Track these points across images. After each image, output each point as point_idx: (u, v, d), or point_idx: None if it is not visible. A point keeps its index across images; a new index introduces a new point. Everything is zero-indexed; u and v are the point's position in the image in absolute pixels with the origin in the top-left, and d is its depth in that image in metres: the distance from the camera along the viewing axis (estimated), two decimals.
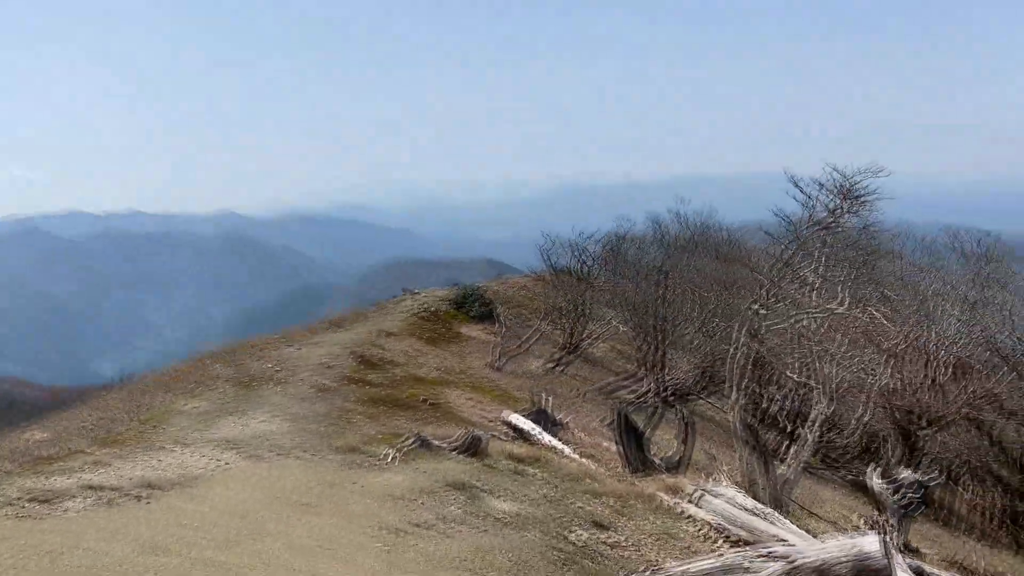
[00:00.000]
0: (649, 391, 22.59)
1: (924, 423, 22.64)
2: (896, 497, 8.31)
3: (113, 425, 14.57)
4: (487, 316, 34.60)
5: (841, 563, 4.42)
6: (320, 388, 19.26)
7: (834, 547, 4.53)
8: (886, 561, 4.43)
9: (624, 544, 7.46)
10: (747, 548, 5.04)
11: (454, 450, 11.35)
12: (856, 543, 4.52)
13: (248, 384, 19.76)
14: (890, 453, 24.54)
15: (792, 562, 4.45)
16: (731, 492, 9.55)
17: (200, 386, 19.88)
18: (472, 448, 11.49)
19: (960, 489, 30.51)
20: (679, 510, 9.33)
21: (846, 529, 12.45)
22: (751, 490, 12.12)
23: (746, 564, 4.51)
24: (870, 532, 7.53)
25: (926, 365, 22.03)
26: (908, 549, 8.80)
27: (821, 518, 13.39)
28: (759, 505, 9.40)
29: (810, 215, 12.76)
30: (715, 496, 9.41)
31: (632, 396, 22.72)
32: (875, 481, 8.72)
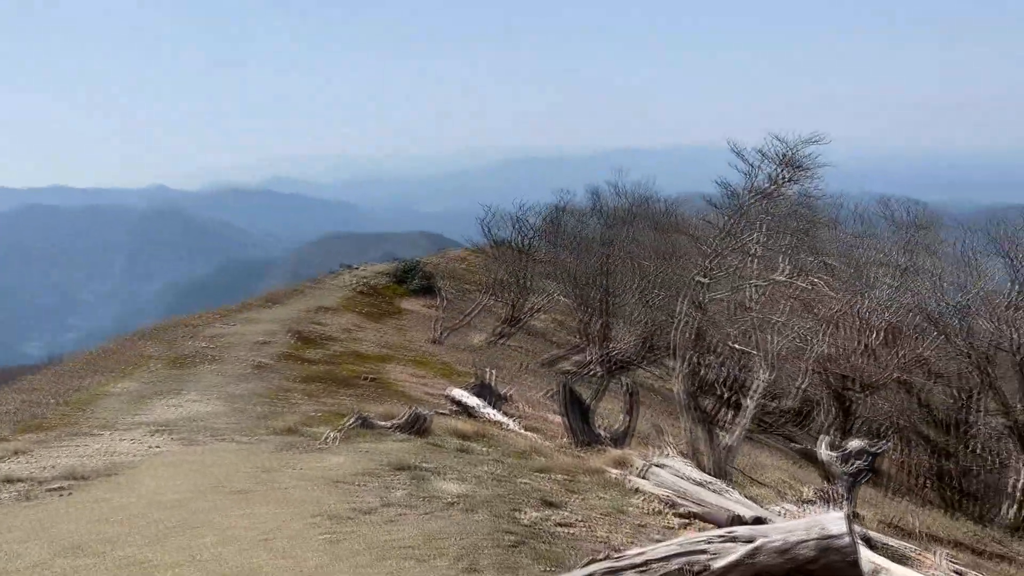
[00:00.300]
0: (592, 362, 22.59)
1: (858, 387, 23.19)
2: (845, 466, 8.34)
3: (37, 409, 13.84)
4: (428, 290, 34.24)
5: (805, 543, 4.29)
6: (257, 366, 18.70)
7: (797, 527, 4.39)
8: (850, 539, 4.31)
9: (574, 522, 7.29)
10: (709, 530, 4.89)
11: (397, 429, 11.04)
12: (819, 522, 4.39)
13: (181, 363, 19.08)
14: (823, 417, 25.14)
15: (755, 544, 4.30)
16: (679, 464, 9.48)
17: (131, 366, 19.13)
18: (416, 426, 11.21)
19: (889, 449, 31.51)
20: (628, 484, 9.21)
21: (788, 496, 12.59)
22: (695, 459, 12.14)
23: (708, 548, 4.34)
24: (833, 509, 7.51)
25: (859, 331, 22.51)
26: (854, 516, 8.87)
27: (764, 484, 13.53)
28: (707, 476, 9.35)
29: (752, 184, 12.71)
30: (663, 468, 9.32)
31: (575, 367, 22.69)
32: (824, 451, 8.73)
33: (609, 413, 15.83)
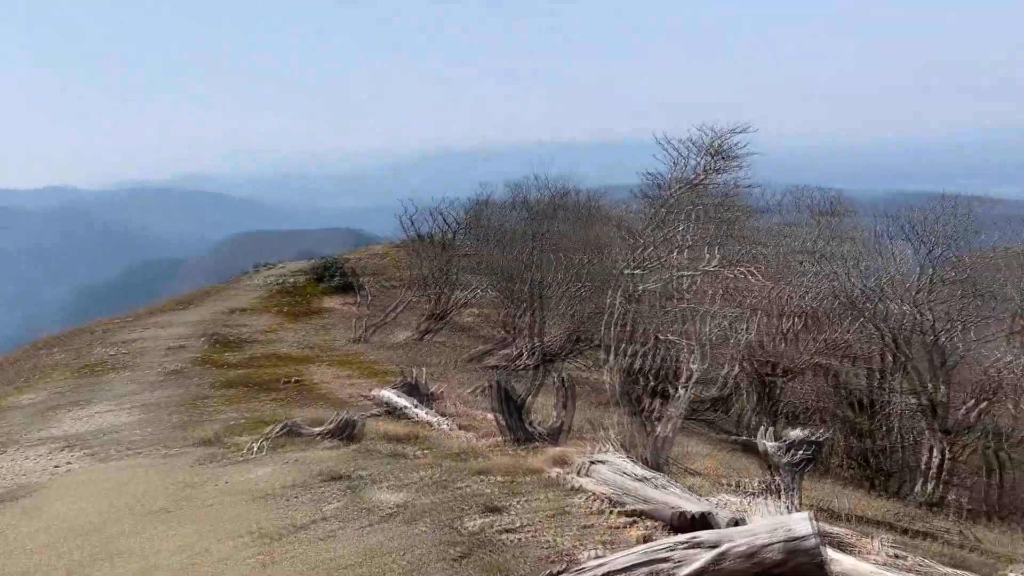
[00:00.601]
0: (522, 355, 22.42)
1: (780, 372, 23.69)
2: (788, 456, 8.34)
3: None
4: (349, 287, 33.51)
5: (771, 546, 4.14)
6: (172, 372, 17.87)
7: (763, 530, 4.24)
8: (816, 540, 4.17)
9: (519, 527, 7.03)
10: (672, 536, 4.71)
11: (327, 435, 10.59)
12: (784, 523, 4.24)
13: (90, 371, 18.10)
14: (746, 402, 25.63)
15: (721, 550, 4.12)
16: (619, 460, 9.33)
17: (36, 376, 18.07)
18: (346, 432, 10.77)
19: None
20: (569, 483, 9.01)
21: (724, 484, 12.65)
22: (632, 451, 12.06)
23: (672, 555, 4.14)
24: (778, 501, 7.45)
25: (780, 318, 22.99)
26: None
27: (698, 474, 13.58)
28: (649, 471, 9.23)
29: (680, 175, 12.68)
30: (604, 464, 9.16)
31: (505, 362, 22.49)
32: (767, 443, 8.72)
33: (542, 408, 15.66)
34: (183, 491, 8.12)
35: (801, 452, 8.25)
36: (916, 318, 22.05)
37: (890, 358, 24.09)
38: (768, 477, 8.41)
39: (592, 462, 9.11)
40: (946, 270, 21.30)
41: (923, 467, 23.66)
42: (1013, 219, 22.39)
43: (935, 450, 22.45)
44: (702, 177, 12.45)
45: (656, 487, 8.45)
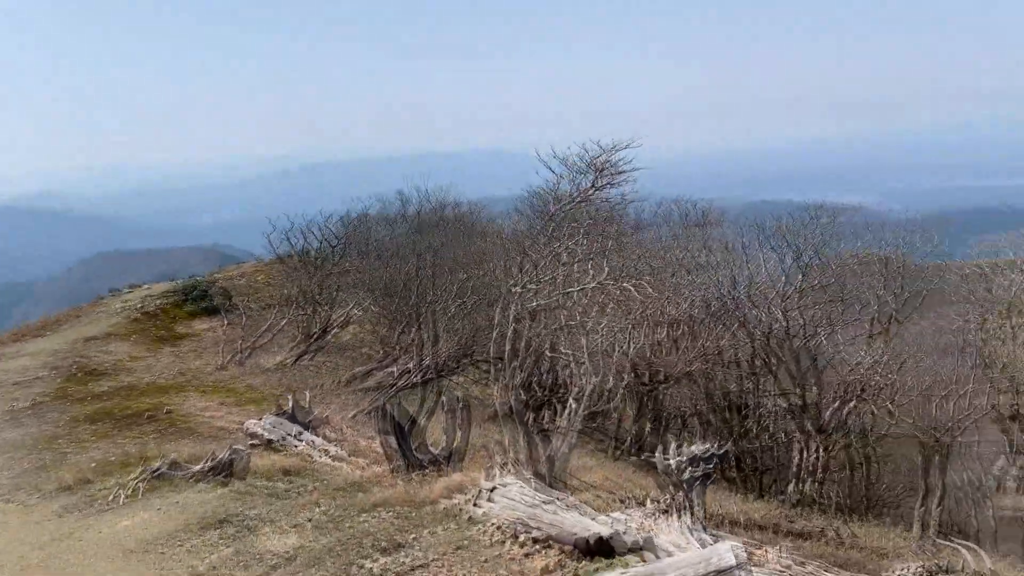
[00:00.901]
0: (409, 373, 21.87)
1: (661, 380, 24.16)
2: (691, 470, 8.32)
3: None
4: (218, 309, 31.88)
5: None
6: (25, 408, 16.34)
7: (692, 562, 4.07)
8: (746, 571, 4.03)
9: (425, 563, 6.65)
10: (587, 561, 4.45)
11: (205, 474, 9.81)
12: (712, 555, 4.09)
13: None
14: (629, 410, 26.01)
15: None
16: (519, 484, 9.07)
17: None
18: (226, 469, 10.02)
19: (686, 435, 33.32)
20: (468, 512, 8.67)
21: (619, 495, 12.62)
22: (531, 467, 11.85)
23: None
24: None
25: (655, 329, 23.46)
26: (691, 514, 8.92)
27: (596, 487, 13.49)
28: (552, 492, 9.02)
29: (568, 191, 12.64)
30: (504, 489, 8.88)
31: (391, 381, 21.86)
32: (667, 459, 8.68)
33: (433, 429, 15.22)
34: (45, 547, 7.26)
35: (703, 466, 8.23)
36: (785, 323, 22.99)
37: (761, 362, 25.02)
38: (670, 493, 8.36)
39: (492, 488, 8.82)
40: (814, 276, 22.29)
41: (795, 467, 24.69)
42: (872, 226, 23.76)
43: (808, 449, 23.44)
44: (590, 192, 12.45)
45: (559, 509, 8.24)
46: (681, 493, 8.28)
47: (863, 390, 21.41)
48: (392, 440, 12.62)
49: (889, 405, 21.38)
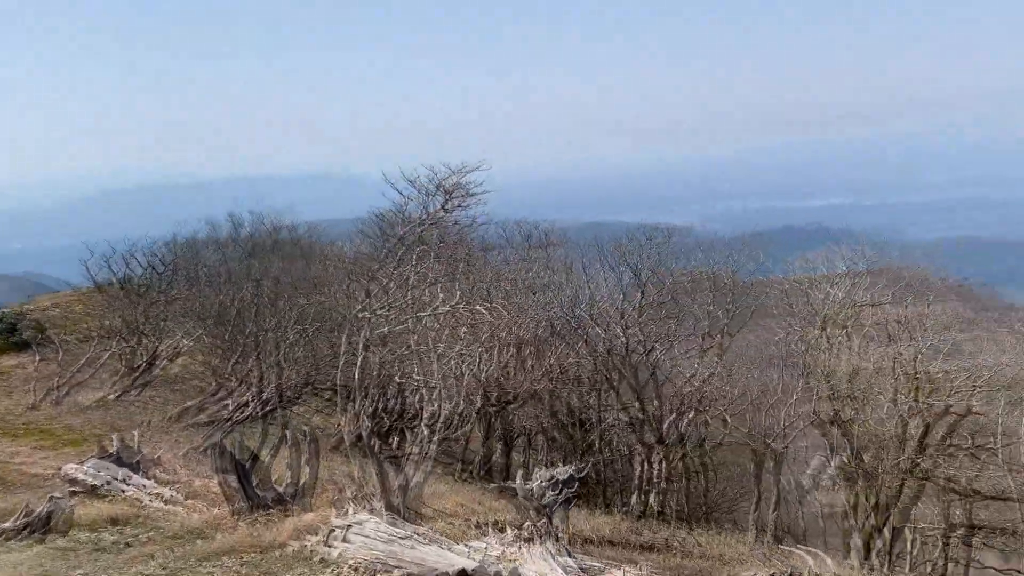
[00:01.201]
0: (247, 405, 20.73)
1: (511, 399, 24.25)
2: (552, 494, 8.22)
3: None
4: (29, 344, 29.11)
5: None
6: None
7: None
8: None
9: None
10: None
11: (21, 530, 8.73)
12: None
13: None
14: (471, 430, 25.92)
15: None
16: (373, 521, 8.65)
17: None
18: (43, 523, 8.97)
19: (531, 453, 33.68)
20: (320, 554, 8.18)
21: (481, 526, 12.39)
22: (383, 499, 11.40)
23: None
24: (547, 544, 7.19)
25: (503, 351, 23.55)
26: (556, 538, 8.80)
27: (453, 515, 13.19)
28: (407, 528, 8.65)
29: (418, 212, 12.39)
30: (359, 527, 8.45)
31: (227, 414, 20.64)
32: (528, 484, 8.55)
33: (278, 464, 14.40)
34: None
35: (564, 489, 8.17)
36: (625, 340, 23.71)
37: (603, 378, 25.66)
38: (531, 519, 8.22)
39: (347, 525, 8.36)
40: (651, 294, 23.14)
41: (637, 479, 25.46)
42: (703, 245, 25.03)
43: (650, 462, 24.23)
44: (440, 214, 12.25)
45: (417, 544, 7.90)
46: (544, 518, 8.18)
47: (700, 401, 22.41)
48: (232, 479, 11.81)
49: (724, 415, 22.46)
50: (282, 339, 22.38)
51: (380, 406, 16.97)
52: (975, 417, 19.07)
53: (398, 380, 14.42)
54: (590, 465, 15.53)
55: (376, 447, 13.03)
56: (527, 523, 7.49)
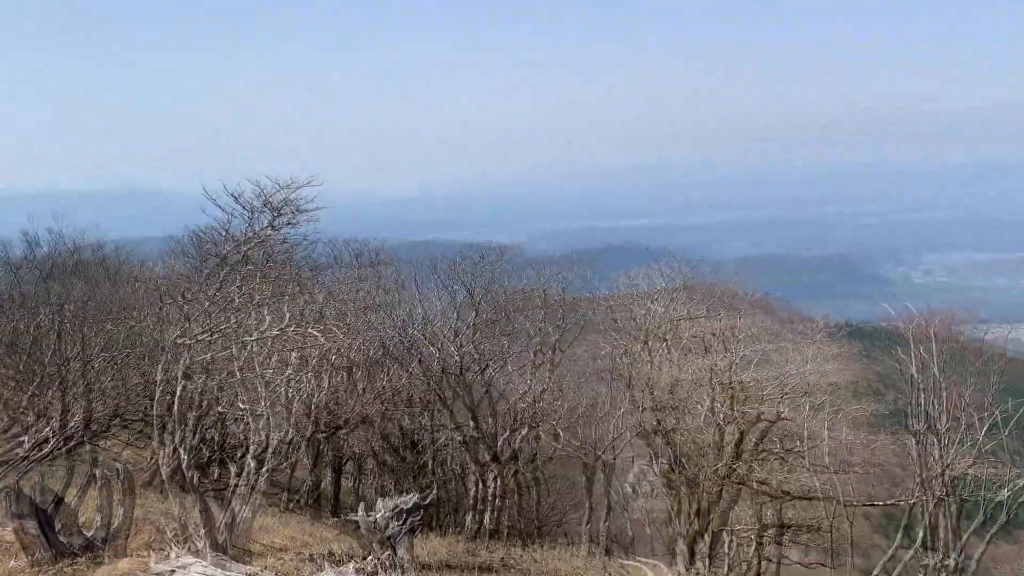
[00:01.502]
0: (46, 442, 18.76)
1: (342, 424, 23.52)
2: (397, 526, 7.90)
3: None
4: None
5: None
6: None
7: None
8: None
9: None
10: None
11: None
12: None
13: None
14: (297, 457, 24.96)
15: None
16: (199, 564, 8.02)
17: None
18: None
19: (361, 478, 32.89)
20: None
21: (316, 559, 11.81)
22: (208, 538, 10.61)
23: None
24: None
25: (334, 374, 22.84)
26: (403, 570, 8.49)
27: (284, 549, 12.50)
28: (235, 568, 8.07)
29: (243, 230, 11.72)
30: (183, 571, 7.78)
31: (23, 453, 18.60)
32: (370, 516, 8.18)
33: (86, 506, 13.08)
34: None
35: (409, 519, 7.90)
36: (459, 358, 23.67)
37: (437, 398, 25.47)
38: (375, 552, 7.90)
39: (171, 571, 7.66)
40: (485, 312, 23.27)
41: (472, 498, 25.39)
42: (535, 263, 25.50)
43: (484, 480, 24.24)
44: (268, 232, 11.65)
45: None
46: (388, 550, 7.87)
47: (533, 416, 22.72)
48: (31, 525, 10.65)
49: (556, 429, 22.89)
50: (88, 368, 20.51)
51: (199, 437, 15.96)
52: (784, 423, 20.46)
53: (221, 409, 13.57)
54: (435, 492, 15.27)
55: (198, 481, 12.18)
56: (370, 556, 7.16)
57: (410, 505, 8.16)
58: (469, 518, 24.86)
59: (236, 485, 12.34)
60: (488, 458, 23.41)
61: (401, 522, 8.10)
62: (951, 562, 16.08)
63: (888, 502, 20.76)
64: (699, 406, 21.93)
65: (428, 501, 8.56)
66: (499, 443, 23.99)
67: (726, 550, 24.55)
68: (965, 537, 16.62)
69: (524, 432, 23.22)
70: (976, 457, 16.50)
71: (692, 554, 21.05)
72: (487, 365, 23.46)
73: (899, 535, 18.16)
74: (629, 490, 26.87)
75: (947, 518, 16.87)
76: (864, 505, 21.03)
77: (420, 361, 23.36)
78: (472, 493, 25.48)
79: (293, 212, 11.51)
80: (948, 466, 16.41)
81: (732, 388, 21.24)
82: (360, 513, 8.63)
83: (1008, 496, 16.17)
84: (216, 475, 18.40)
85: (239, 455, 18.17)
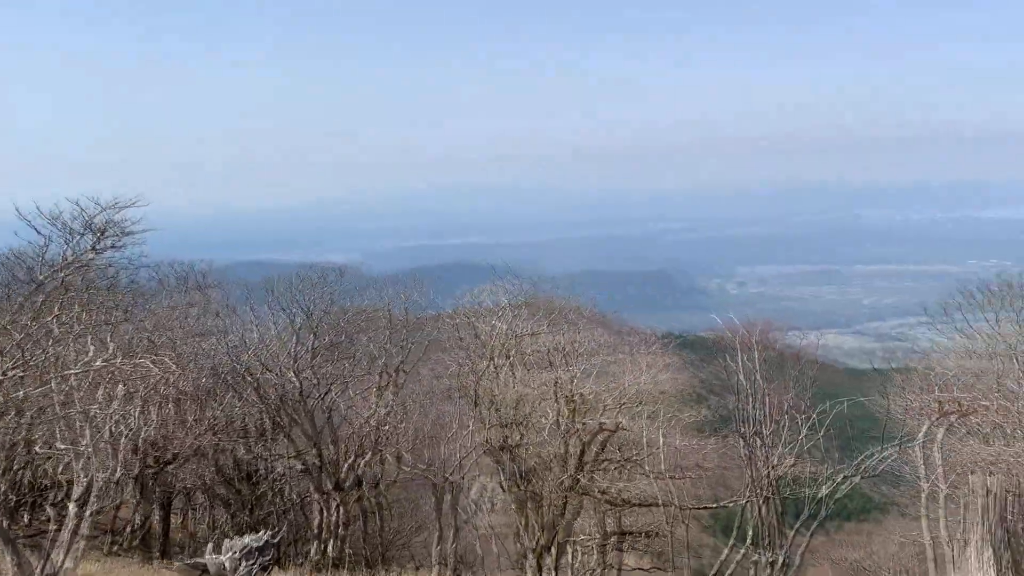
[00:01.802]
0: None
1: (170, 459, 22.03)
2: (246, 566, 7.37)
3: None
4: None
5: None
6: None
7: None
8: None
9: None
10: None
11: None
12: None
13: None
14: (123, 496, 23.18)
15: None
16: None
17: None
18: None
19: (191, 512, 31.00)
20: None
21: None
22: None
23: None
24: None
25: (162, 406, 21.37)
26: None
27: None
28: None
29: (61, 254, 10.73)
30: None
31: None
32: (217, 557, 7.59)
33: None
34: None
35: (259, 558, 7.43)
36: (299, 384, 22.78)
37: (274, 425, 24.40)
38: None
39: None
40: (324, 334, 22.55)
41: (316, 528, 24.45)
42: (376, 282, 25.01)
43: (328, 508, 23.41)
44: (91, 256, 10.71)
45: None
46: None
47: (377, 441, 22.18)
48: None
49: (402, 451, 22.49)
50: None
51: (8, 481, 14.47)
52: (623, 432, 21.12)
53: (38, 450, 12.32)
54: (284, 528, 14.53)
55: (7, 528, 11.00)
56: None
57: (261, 543, 7.68)
58: (313, 548, 23.95)
59: (55, 531, 11.24)
60: (331, 487, 22.65)
61: (252, 562, 7.61)
62: (779, 558, 17.17)
63: (721, 504, 21.89)
64: (543, 420, 22.23)
65: (278, 538, 8.09)
66: (343, 470, 23.28)
67: (570, 560, 25.02)
68: (792, 534, 17.81)
69: (368, 457, 22.65)
70: (798, 457, 17.75)
71: (540, 568, 21.26)
72: (328, 389, 22.73)
73: (733, 535, 19.21)
74: (473, 507, 26.81)
75: (772, 515, 18.06)
76: (700, 508, 22.08)
77: (256, 388, 22.28)
78: (316, 523, 24.57)
79: (118, 234, 10.66)
80: (774, 467, 17.55)
81: (574, 401, 21.69)
82: (208, 555, 8.05)
83: (826, 492, 17.50)
84: (27, 520, 16.72)
85: (54, 497, 16.60)
